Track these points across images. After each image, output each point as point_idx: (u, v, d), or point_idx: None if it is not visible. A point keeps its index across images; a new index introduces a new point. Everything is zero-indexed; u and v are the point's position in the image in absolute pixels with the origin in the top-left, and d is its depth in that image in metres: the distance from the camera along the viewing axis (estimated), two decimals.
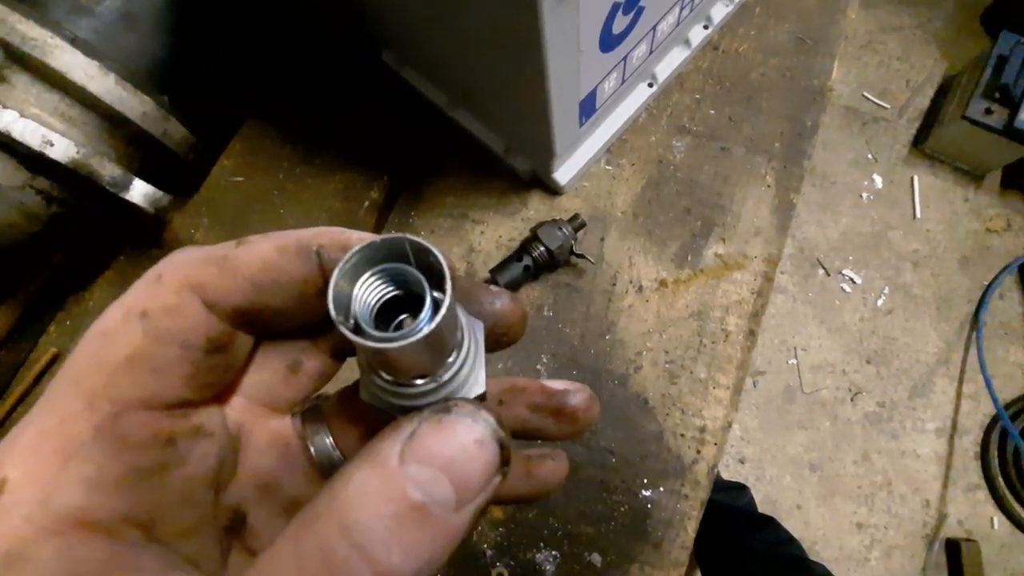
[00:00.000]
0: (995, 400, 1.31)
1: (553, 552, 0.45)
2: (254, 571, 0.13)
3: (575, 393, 0.21)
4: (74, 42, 0.43)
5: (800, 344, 1.50)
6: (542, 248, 0.49)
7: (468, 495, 0.13)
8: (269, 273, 0.16)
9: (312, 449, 0.20)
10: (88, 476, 0.14)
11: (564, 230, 0.49)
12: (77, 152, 0.43)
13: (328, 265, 0.16)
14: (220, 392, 0.18)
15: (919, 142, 1.62)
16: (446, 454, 0.13)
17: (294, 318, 0.17)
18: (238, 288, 0.16)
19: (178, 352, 0.15)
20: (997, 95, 1.37)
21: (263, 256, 0.16)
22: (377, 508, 0.12)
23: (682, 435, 0.47)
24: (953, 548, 1.32)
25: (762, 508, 1.30)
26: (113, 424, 0.14)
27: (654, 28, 0.46)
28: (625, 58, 0.45)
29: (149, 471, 0.15)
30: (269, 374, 0.19)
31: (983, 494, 1.38)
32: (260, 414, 0.19)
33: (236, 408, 0.19)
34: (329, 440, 0.20)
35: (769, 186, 0.53)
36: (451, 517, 0.12)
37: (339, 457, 0.20)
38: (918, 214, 1.58)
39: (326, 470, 0.20)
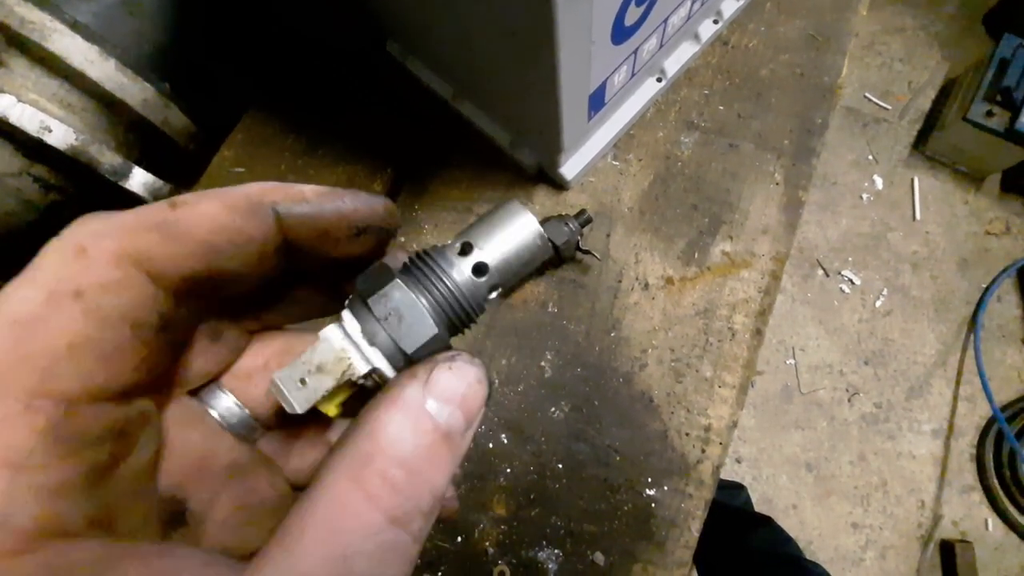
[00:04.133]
0: (992, 402, 1.31)
1: (556, 551, 0.45)
2: (313, 509, 0.13)
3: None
4: (74, 26, 0.42)
5: (798, 344, 1.50)
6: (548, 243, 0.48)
7: (472, 420, 0.16)
8: (224, 234, 0.15)
9: (218, 415, 0.19)
10: (42, 484, 0.12)
11: (570, 225, 0.48)
12: (76, 139, 0.42)
13: (288, 221, 0.16)
14: (161, 374, 0.17)
15: (920, 144, 1.62)
16: (460, 392, 0.16)
17: (248, 282, 0.16)
18: (189, 254, 0.15)
19: (128, 334, 0.14)
20: (999, 98, 1.37)
21: (213, 217, 0.15)
22: (418, 440, 0.14)
23: (687, 434, 0.47)
24: (948, 549, 1.33)
25: (758, 507, 1.30)
26: (61, 423, 0.13)
27: (665, 21, 0.45)
28: (636, 51, 0.44)
29: (103, 468, 0.14)
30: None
31: (978, 496, 1.38)
32: (170, 391, 0.18)
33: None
34: (233, 401, 0.19)
35: (778, 184, 0.53)
36: (463, 439, 0.16)
37: (249, 416, 0.19)
38: (918, 216, 1.58)
39: (241, 432, 0.19)
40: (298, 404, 0.16)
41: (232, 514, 0.18)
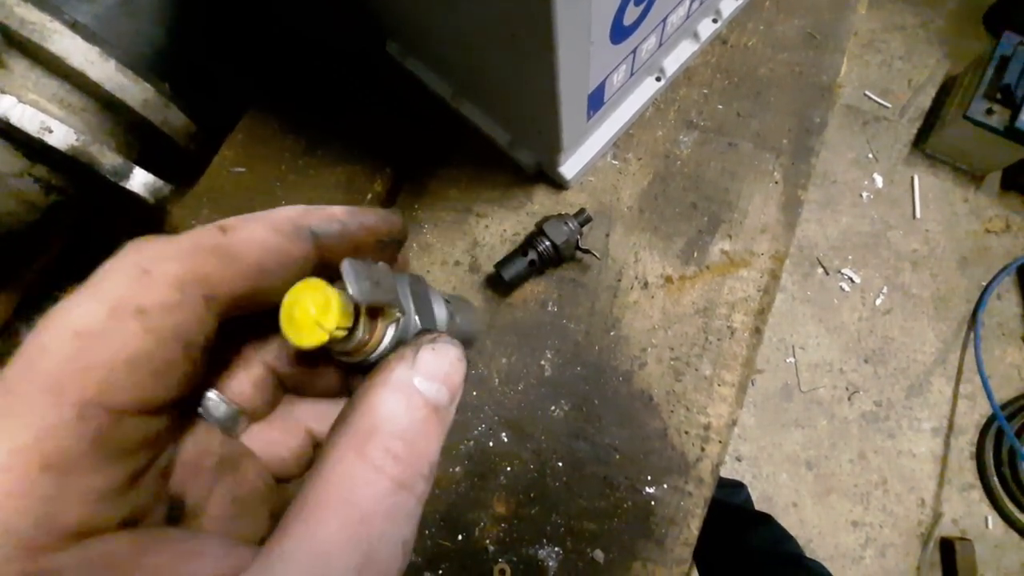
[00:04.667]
0: (992, 400, 1.32)
1: (556, 548, 0.45)
2: (326, 483, 0.14)
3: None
4: (74, 27, 0.42)
5: (798, 342, 1.50)
6: (547, 243, 0.48)
7: (455, 393, 0.17)
8: (272, 256, 0.17)
9: (202, 409, 0.20)
10: (87, 489, 0.13)
11: (570, 225, 0.48)
12: (76, 139, 0.42)
13: (325, 242, 0.18)
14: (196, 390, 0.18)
15: (920, 142, 1.62)
16: (444, 370, 0.17)
17: (280, 296, 0.17)
18: (242, 275, 0.16)
19: (180, 353, 0.15)
20: (999, 96, 1.37)
21: (262, 240, 0.16)
22: (412, 415, 0.16)
23: (686, 432, 0.47)
24: (947, 547, 1.33)
25: (758, 505, 1.30)
26: (111, 433, 0.14)
27: (664, 20, 0.45)
28: (635, 51, 0.44)
29: (139, 474, 0.15)
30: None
31: (978, 494, 1.39)
32: None
33: None
34: (215, 394, 0.20)
35: (777, 183, 0.53)
36: (449, 411, 0.17)
37: (233, 408, 0.20)
38: (918, 214, 1.58)
39: (225, 423, 0.20)
40: (361, 293, 0.17)
41: (226, 507, 0.19)
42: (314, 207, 0.18)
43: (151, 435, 0.15)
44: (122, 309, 0.14)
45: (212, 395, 0.20)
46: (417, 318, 0.20)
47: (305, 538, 0.14)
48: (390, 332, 0.19)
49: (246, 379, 0.20)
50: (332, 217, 0.18)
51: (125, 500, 0.14)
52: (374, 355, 0.19)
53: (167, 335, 0.15)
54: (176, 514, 0.17)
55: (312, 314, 0.16)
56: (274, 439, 0.22)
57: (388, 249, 0.21)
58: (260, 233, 0.16)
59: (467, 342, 0.23)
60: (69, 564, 0.13)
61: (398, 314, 0.19)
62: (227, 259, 0.16)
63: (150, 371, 0.14)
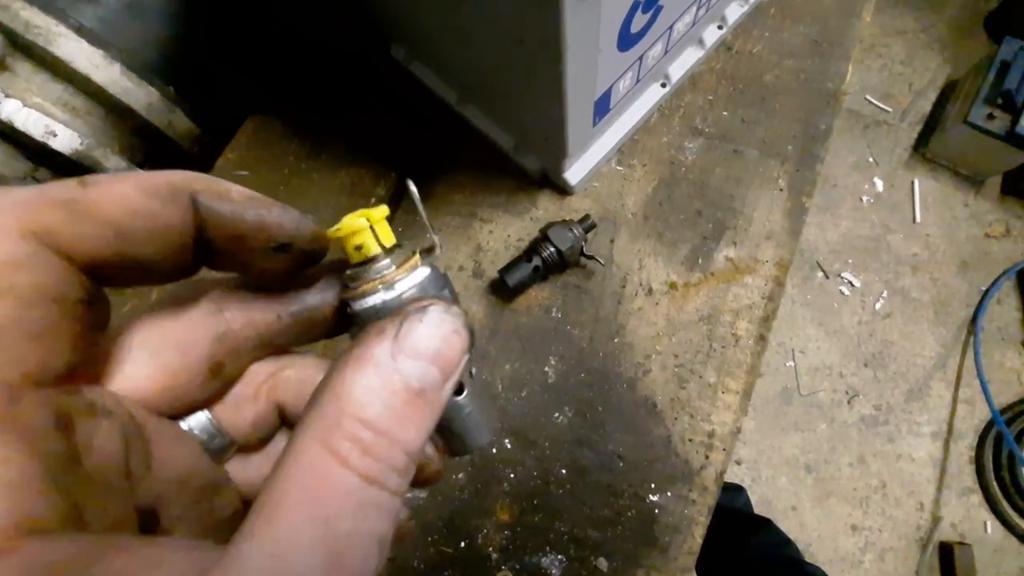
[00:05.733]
0: (991, 405, 1.32)
1: (559, 556, 0.45)
2: (287, 478, 0.13)
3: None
4: (79, 30, 0.42)
5: (798, 346, 1.50)
6: (552, 249, 0.48)
7: (450, 372, 0.15)
8: (138, 219, 0.14)
9: (192, 429, 0.19)
10: (5, 479, 0.12)
11: (574, 231, 0.48)
12: (80, 143, 0.42)
13: (207, 214, 0.15)
14: (96, 367, 0.16)
15: (920, 146, 1.62)
16: (432, 345, 0.15)
17: (163, 270, 0.16)
18: (97, 236, 0.13)
19: (54, 311, 0.13)
20: (999, 101, 1.37)
21: (127, 199, 0.14)
22: (387, 400, 0.14)
23: (691, 440, 0.47)
24: (946, 551, 1.33)
25: (758, 509, 1.30)
26: (7, 413, 0.12)
27: (670, 28, 0.45)
28: (641, 58, 0.44)
29: (61, 461, 0.13)
30: (184, 378, 0.18)
31: (977, 498, 1.39)
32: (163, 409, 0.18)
33: (136, 401, 0.17)
34: (209, 420, 0.19)
35: (781, 189, 0.53)
36: (441, 392, 0.15)
37: (225, 439, 0.19)
38: (918, 218, 1.58)
39: (214, 450, 0.19)
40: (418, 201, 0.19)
41: (194, 532, 0.18)
42: (209, 177, 0.16)
43: (60, 412, 0.13)
44: None
45: (208, 421, 0.19)
46: (449, 292, 0.19)
47: (266, 539, 0.12)
48: (414, 276, 0.18)
49: (250, 413, 0.20)
50: (223, 195, 0.16)
51: (57, 491, 0.13)
52: (388, 296, 0.18)
53: (27, 295, 0.13)
54: (147, 531, 0.16)
55: (361, 219, 0.17)
56: (249, 465, 0.21)
57: (287, 258, 0.18)
58: (126, 191, 0.14)
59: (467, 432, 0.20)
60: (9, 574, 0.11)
61: (428, 269, 0.18)
62: (79, 215, 0.13)
63: (25, 337, 0.13)
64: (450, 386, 0.16)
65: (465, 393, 0.19)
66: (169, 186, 0.15)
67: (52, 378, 0.13)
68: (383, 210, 0.18)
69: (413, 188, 0.20)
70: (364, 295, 0.18)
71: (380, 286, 0.18)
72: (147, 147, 0.50)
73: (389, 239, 0.18)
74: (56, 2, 0.42)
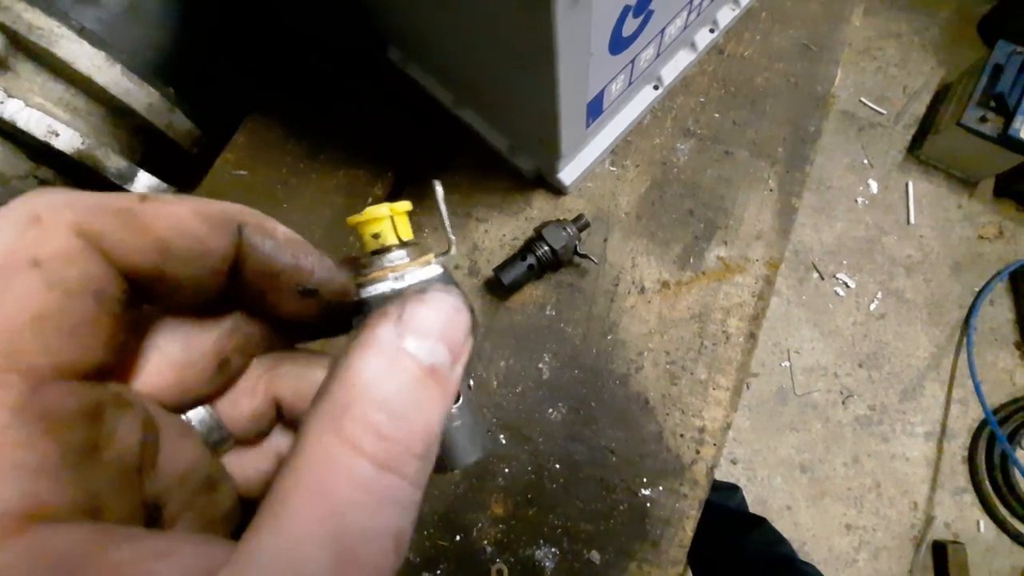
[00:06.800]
0: (984, 405, 1.33)
1: (552, 549, 0.46)
2: (298, 470, 0.12)
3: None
4: (81, 32, 0.42)
5: (793, 347, 1.51)
6: (546, 248, 0.49)
7: (458, 351, 0.15)
8: (184, 239, 0.14)
9: (192, 421, 0.19)
10: (23, 462, 0.12)
11: (568, 230, 0.49)
12: (82, 143, 0.43)
13: (248, 245, 0.16)
14: (125, 368, 0.17)
15: (914, 148, 1.64)
16: (437, 323, 0.15)
17: (192, 296, 0.16)
18: (143, 248, 0.14)
19: (93, 307, 0.13)
20: (992, 103, 1.39)
21: (179, 219, 0.14)
22: (398, 381, 0.13)
23: (682, 435, 0.48)
24: (940, 550, 1.34)
25: (753, 509, 1.31)
26: (33, 400, 0.12)
27: (662, 31, 0.46)
28: (633, 61, 0.45)
29: (83, 451, 0.13)
30: (192, 372, 0.18)
31: (970, 497, 1.40)
32: (172, 404, 0.18)
33: (149, 397, 0.17)
34: (208, 413, 0.19)
35: (771, 190, 0.54)
36: (452, 372, 0.15)
37: (225, 431, 0.20)
38: (912, 220, 1.59)
39: (214, 443, 0.19)
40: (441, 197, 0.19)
41: (195, 526, 0.18)
42: (260, 214, 0.16)
43: (87, 405, 0.14)
44: (16, 263, 0.12)
45: (207, 414, 0.19)
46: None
47: (274, 536, 0.12)
48: (426, 271, 0.18)
49: (247, 407, 0.20)
50: (269, 231, 0.16)
51: (74, 480, 0.13)
52: (397, 285, 0.18)
53: (73, 287, 0.13)
54: (151, 524, 0.16)
55: (383, 208, 0.18)
56: (245, 460, 0.21)
57: (312, 304, 0.18)
58: (179, 211, 0.14)
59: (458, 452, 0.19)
60: (13, 562, 0.11)
61: (440, 269, 0.19)
62: (131, 225, 0.14)
63: (62, 329, 0.13)
64: (459, 368, 0.15)
65: (460, 403, 0.19)
66: (221, 213, 0.15)
67: (84, 370, 0.14)
68: (406, 204, 0.19)
69: (439, 189, 0.20)
70: (374, 281, 0.18)
71: (391, 274, 0.18)
72: (147, 147, 0.50)
73: (407, 233, 0.19)
74: (58, 4, 0.43)
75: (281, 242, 0.16)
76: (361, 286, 0.18)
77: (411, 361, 0.14)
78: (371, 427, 0.13)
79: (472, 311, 0.16)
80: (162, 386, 0.18)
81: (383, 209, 0.18)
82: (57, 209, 0.13)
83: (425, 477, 0.14)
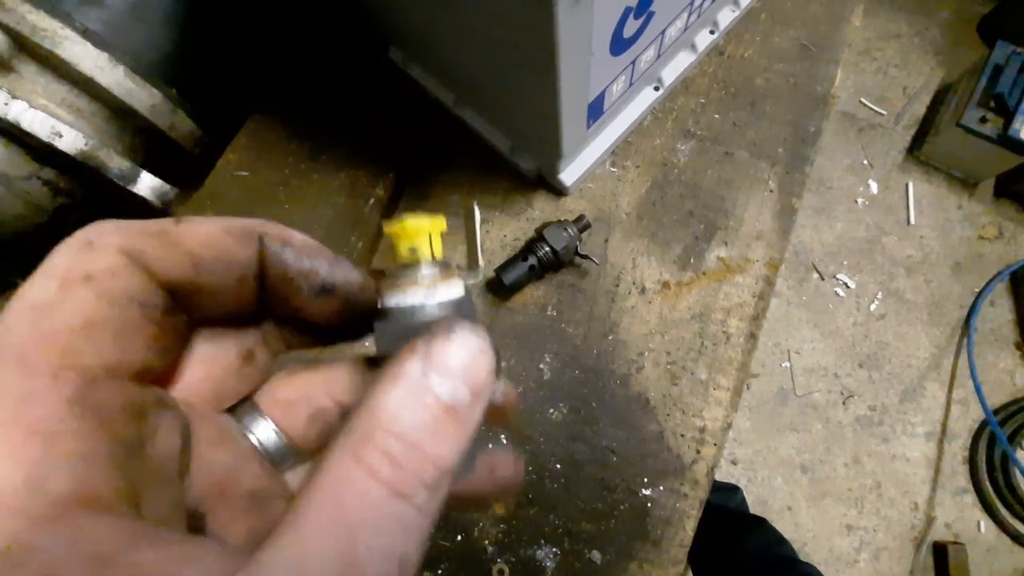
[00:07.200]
0: (984, 406, 1.33)
1: (553, 549, 0.46)
2: (317, 488, 0.13)
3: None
4: (84, 33, 0.42)
5: (794, 347, 1.51)
6: (547, 248, 0.49)
7: (479, 392, 0.15)
8: (213, 251, 0.16)
9: (256, 440, 0.20)
10: (77, 452, 0.13)
11: (569, 231, 0.49)
12: (85, 144, 0.43)
13: (269, 254, 0.17)
14: (168, 373, 0.18)
15: (914, 149, 1.64)
16: (461, 363, 0.15)
17: (226, 303, 0.18)
18: (179, 262, 0.16)
19: (139, 313, 0.15)
20: (992, 104, 1.39)
21: (208, 234, 0.16)
22: (419, 415, 0.14)
23: (682, 435, 0.48)
24: (940, 551, 1.34)
25: (753, 509, 1.31)
26: (87, 394, 0.14)
27: (663, 32, 0.46)
28: (634, 62, 0.45)
29: (129, 446, 0.14)
30: (219, 367, 0.19)
31: (971, 498, 1.40)
32: (206, 410, 0.19)
33: (183, 402, 0.18)
34: (272, 427, 0.20)
35: (772, 191, 0.54)
36: (471, 412, 0.15)
37: (286, 443, 0.20)
38: (912, 220, 1.59)
39: (275, 459, 0.20)
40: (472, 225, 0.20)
41: (245, 542, 0.18)
42: (280, 226, 0.18)
43: (132, 402, 0.15)
44: (72, 278, 0.15)
45: (265, 424, 0.20)
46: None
47: (288, 547, 0.12)
48: (455, 290, 0.19)
49: (304, 411, 0.20)
50: (287, 239, 0.18)
51: (120, 471, 0.14)
52: (428, 301, 0.18)
53: (119, 297, 0.15)
54: (196, 531, 0.17)
55: (424, 221, 0.18)
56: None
57: (332, 302, 0.19)
58: (209, 228, 0.16)
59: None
60: (55, 544, 0.12)
61: (462, 291, 0.19)
62: (168, 244, 0.16)
63: (111, 332, 0.15)
64: (479, 409, 0.16)
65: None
66: (243, 228, 0.17)
67: (130, 370, 0.15)
68: (442, 223, 0.19)
69: (477, 212, 0.21)
70: (404, 291, 0.18)
71: (423, 288, 0.18)
72: (149, 148, 0.50)
73: (439, 252, 0.19)
74: (62, 5, 0.43)
75: (298, 247, 0.18)
76: (390, 292, 0.18)
77: (432, 398, 0.15)
78: (387, 455, 0.14)
79: (497, 353, 0.17)
80: (194, 384, 0.19)
81: (424, 223, 0.19)
82: (106, 234, 0.15)
83: (435, 507, 0.14)
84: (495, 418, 0.22)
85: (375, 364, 0.19)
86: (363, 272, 0.19)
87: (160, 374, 0.17)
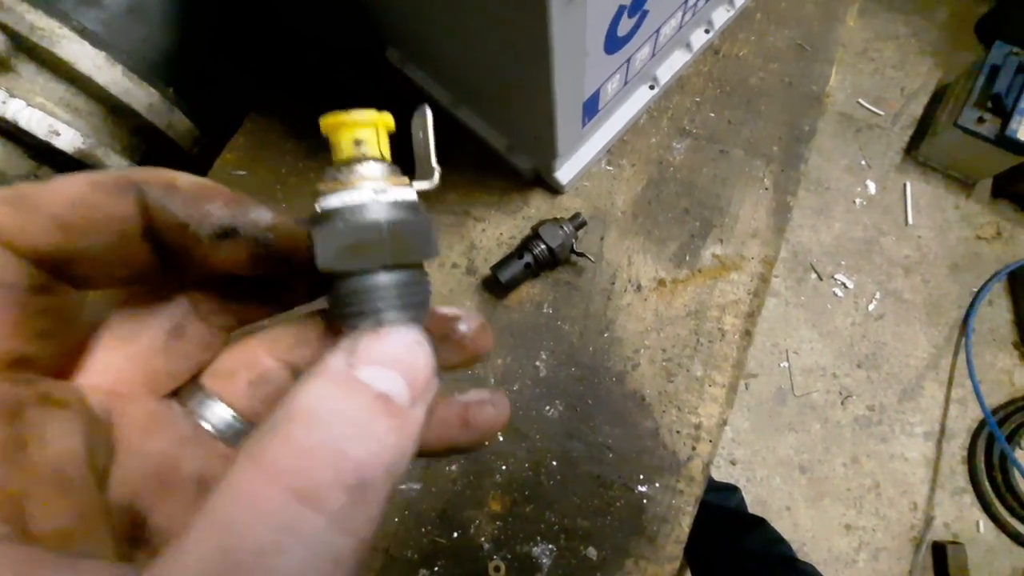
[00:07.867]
0: (983, 405, 1.33)
1: (549, 546, 0.46)
2: (209, 498, 0.11)
3: (464, 320, 0.20)
4: (82, 32, 0.43)
5: (792, 347, 1.51)
6: (543, 246, 0.49)
7: (419, 388, 0.13)
8: (80, 210, 0.14)
9: (207, 423, 0.18)
10: None
11: (565, 229, 0.50)
12: (83, 142, 0.43)
13: (153, 204, 0.15)
14: (63, 361, 0.16)
15: (912, 149, 1.64)
16: (392, 353, 0.13)
17: (117, 269, 0.15)
18: (41, 228, 0.13)
19: (2, 296, 0.13)
20: (989, 104, 1.39)
21: (72, 192, 0.14)
22: (340, 408, 0.12)
23: (678, 432, 0.48)
24: (939, 551, 1.34)
25: (752, 509, 1.31)
26: None
27: (657, 31, 0.46)
28: (628, 60, 0.46)
29: (3, 449, 0.12)
30: (142, 346, 0.17)
31: (969, 498, 1.40)
32: (134, 395, 0.17)
33: (100, 391, 0.16)
34: (224, 408, 0.18)
35: (767, 189, 0.54)
36: (411, 409, 0.13)
37: (242, 423, 0.18)
38: (910, 220, 1.60)
39: (230, 437, 0.18)
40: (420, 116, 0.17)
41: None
42: (158, 169, 0.15)
43: (6, 399, 0.13)
44: None
45: (214, 404, 0.18)
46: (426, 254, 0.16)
47: (167, 562, 0.10)
48: (408, 191, 0.16)
49: (244, 378, 0.18)
50: (169, 182, 0.15)
51: None
52: (378, 198, 0.15)
53: None
54: (137, 533, 0.15)
55: (372, 112, 0.16)
56: None
57: (237, 247, 0.16)
58: (72, 185, 0.14)
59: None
60: None
61: (414, 196, 0.16)
62: (23, 208, 0.13)
63: None
64: (420, 409, 0.13)
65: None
66: (116, 179, 0.14)
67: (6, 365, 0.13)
68: (389, 119, 0.16)
69: (428, 112, 0.17)
70: (348, 188, 0.15)
71: (371, 185, 0.15)
72: (147, 146, 0.51)
73: (388, 152, 0.16)
74: (60, 5, 0.43)
75: (185, 190, 0.15)
76: (331, 192, 0.16)
77: (359, 390, 0.12)
78: (291, 451, 0.11)
79: (435, 349, 0.15)
80: (116, 376, 0.17)
81: (371, 114, 0.16)
82: None
83: (360, 521, 0.11)
84: (468, 359, 0.20)
85: (331, 318, 0.17)
86: (277, 211, 0.17)
87: (52, 364, 0.15)
